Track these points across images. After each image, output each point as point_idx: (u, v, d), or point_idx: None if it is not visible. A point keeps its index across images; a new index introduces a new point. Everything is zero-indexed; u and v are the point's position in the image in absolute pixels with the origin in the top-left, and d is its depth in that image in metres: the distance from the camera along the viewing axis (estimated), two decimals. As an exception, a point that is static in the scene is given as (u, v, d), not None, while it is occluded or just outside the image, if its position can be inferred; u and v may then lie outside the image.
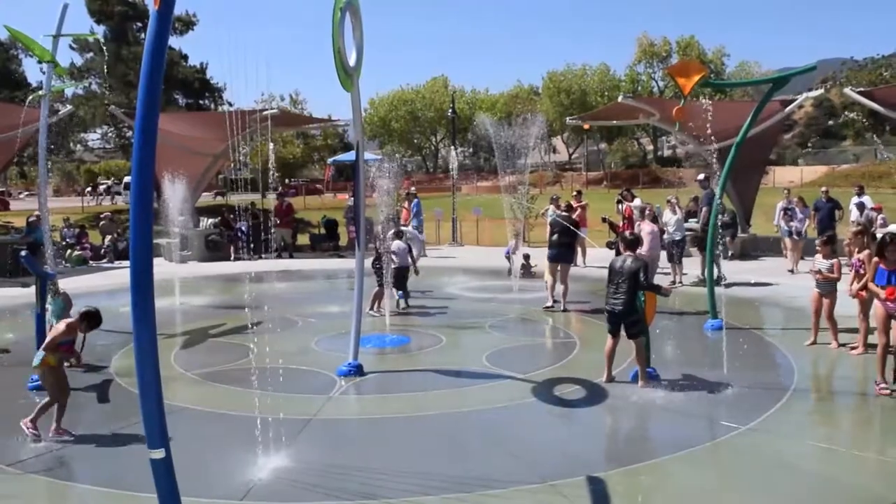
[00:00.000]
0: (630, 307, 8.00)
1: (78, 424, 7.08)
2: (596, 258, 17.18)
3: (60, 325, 7.12)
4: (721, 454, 6.37)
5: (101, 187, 56.69)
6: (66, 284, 14.31)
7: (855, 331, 9.53)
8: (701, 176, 16.63)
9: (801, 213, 16.63)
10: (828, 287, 9.61)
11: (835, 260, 9.66)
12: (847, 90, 18.86)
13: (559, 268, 12.80)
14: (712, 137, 12.63)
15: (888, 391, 7.64)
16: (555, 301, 12.81)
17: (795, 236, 16.59)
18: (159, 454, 4.13)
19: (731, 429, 6.76)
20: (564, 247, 12.75)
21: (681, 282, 14.95)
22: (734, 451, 6.36)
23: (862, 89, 18.79)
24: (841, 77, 76.43)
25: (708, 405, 7.60)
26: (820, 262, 9.68)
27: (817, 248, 9.99)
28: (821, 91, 27.93)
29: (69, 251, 20.93)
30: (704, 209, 15.46)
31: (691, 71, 10.21)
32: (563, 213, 13.20)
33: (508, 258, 16.48)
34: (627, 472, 5.94)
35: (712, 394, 7.88)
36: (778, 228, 18.21)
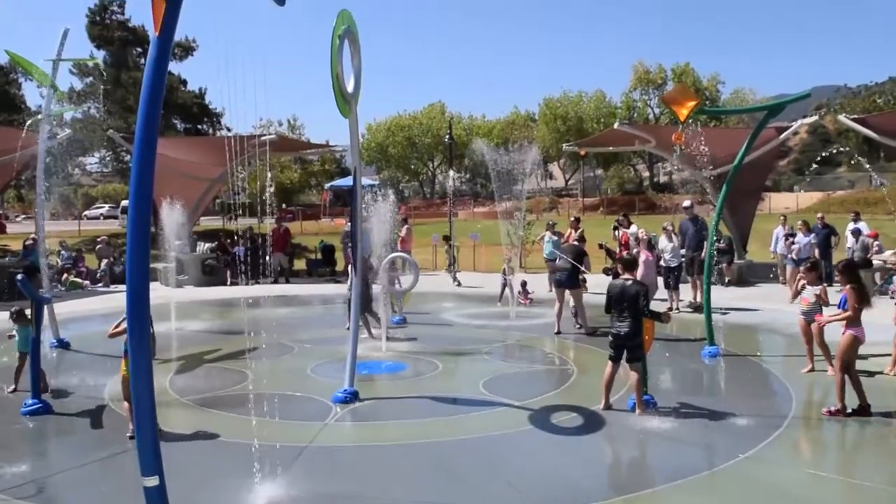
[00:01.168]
0: (636, 330, 7.99)
1: (71, 450, 7.01)
2: (592, 284, 17.17)
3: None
4: (719, 483, 6.31)
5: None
6: (61, 308, 14.31)
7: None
8: (686, 202, 16.67)
9: (805, 238, 16.47)
10: (813, 313, 9.60)
11: (821, 286, 9.67)
12: (841, 117, 19.00)
13: (567, 293, 12.90)
14: (710, 164, 12.72)
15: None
16: (582, 325, 12.97)
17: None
18: (153, 481, 4.09)
19: (730, 457, 6.72)
20: (568, 272, 12.78)
21: (677, 308, 14.96)
22: (732, 480, 6.31)
23: (856, 116, 18.93)
24: (835, 104, 77.12)
25: (706, 433, 7.56)
26: (806, 289, 9.67)
27: (801, 275, 9.99)
28: (815, 118, 28.10)
29: (65, 275, 20.87)
30: (678, 238, 15.61)
31: (685, 98, 10.31)
32: (574, 243, 13.32)
33: (507, 285, 16.46)
34: (625, 500, 5.89)
35: (710, 422, 7.84)
36: (775, 255, 18.25)
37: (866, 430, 7.68)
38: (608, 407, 8.20)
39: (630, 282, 8.20)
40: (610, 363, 8.22)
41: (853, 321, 8.04)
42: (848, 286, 8.18)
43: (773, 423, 7.67)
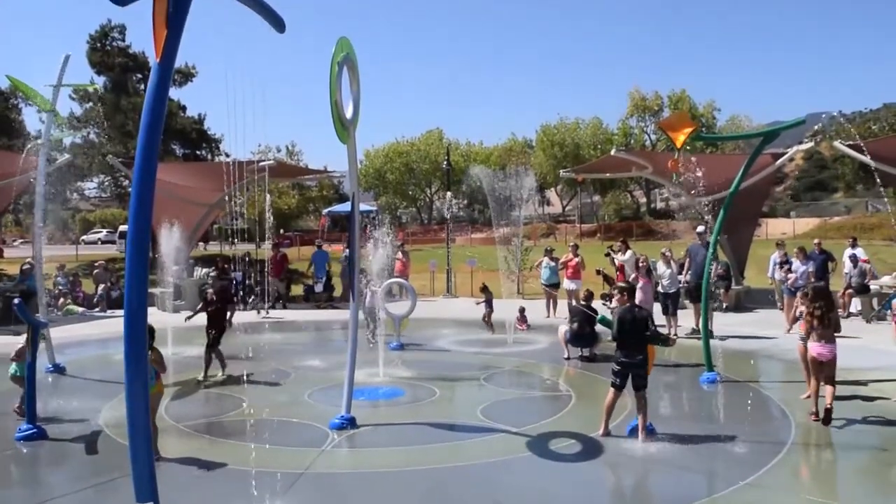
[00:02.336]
0: (646, 356, 7.96)
1: (65, 476, 6.95)
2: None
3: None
4: (720, 510, 6.26)
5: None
6: (57, 333, 14.25)
7: (851, 383, 9.50)
8: (700, 228, 16.67)
9: (802, 266, 16.35)
10: None
11: None
12: (836, 143, 19.11)
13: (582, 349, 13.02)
14: (706, 191, 12.77)
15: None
16: (588, 355, 12.96)
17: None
18: (148, 508, 4.05)
19: (730, 484, 6.66)
20: (587, 335, 12.84)
21: (676, 334, 14.91)
22: (733, 507, 6.26)
23: (851, 142, 19.05)
24: (830, 130, 77.60)
25: (705, 460, 7.52)
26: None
27: (799, 300, 9.99)
28: (811, 144, 28.21)
29: (62, 300, 20.81)
30: (677, 264, 15.65)
31: (682, 124, 10.36)
32: (582, 303, 13.37)
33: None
34: (625, 528, 5.84)
35: (710, 448, 7.79)
36: (773, 281, 18.20)
37: (867, 457, 7.64)
38: (607, 433, 8.15)
39: (637, 308, 8.20)
40: (613, 390, 8.13)
41: (817, 338, 8.56)
42: (805, 307, 8.69)
43: (772, 449, 7.62)
